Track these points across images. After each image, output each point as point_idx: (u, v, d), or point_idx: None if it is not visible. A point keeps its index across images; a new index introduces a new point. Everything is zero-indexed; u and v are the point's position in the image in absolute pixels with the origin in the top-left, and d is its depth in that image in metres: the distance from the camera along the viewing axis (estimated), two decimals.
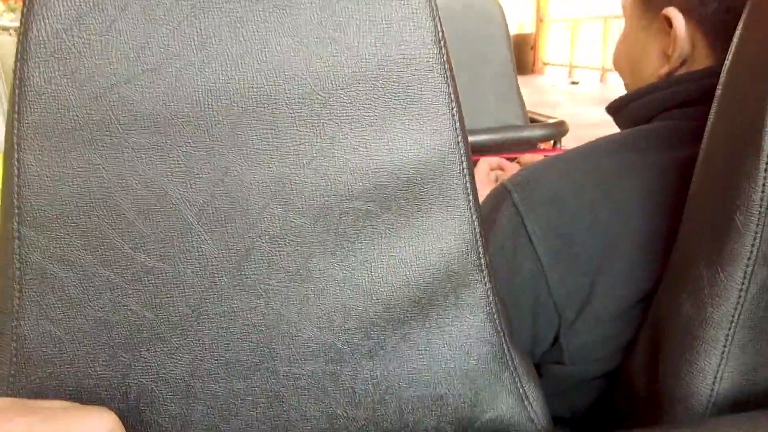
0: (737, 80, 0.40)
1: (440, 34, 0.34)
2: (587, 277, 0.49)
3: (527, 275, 0.51)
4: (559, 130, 1.34)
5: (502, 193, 0.55)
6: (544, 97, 7.57)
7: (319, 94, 0.34)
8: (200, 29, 0.33)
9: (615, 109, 0.61)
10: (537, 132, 1.34)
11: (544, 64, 11.47)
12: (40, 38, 0.32)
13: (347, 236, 0.36)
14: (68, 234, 0.34)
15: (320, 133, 0.34)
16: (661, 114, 0.55)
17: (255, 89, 0.33)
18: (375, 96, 0.34)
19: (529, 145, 1.37)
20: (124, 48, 0.33)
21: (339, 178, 0.35)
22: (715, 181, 0.40)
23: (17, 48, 0.33)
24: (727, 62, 0.41)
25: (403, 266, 0.36)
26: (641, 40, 0.59)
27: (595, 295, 0.49)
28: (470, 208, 0.36)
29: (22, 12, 0.33)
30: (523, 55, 10.33)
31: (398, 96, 0.35)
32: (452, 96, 0.35)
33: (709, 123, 0.42)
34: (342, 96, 0.34)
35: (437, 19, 0.34)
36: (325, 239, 0.35)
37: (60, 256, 0.34)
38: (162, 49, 0.33)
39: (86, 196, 0.34)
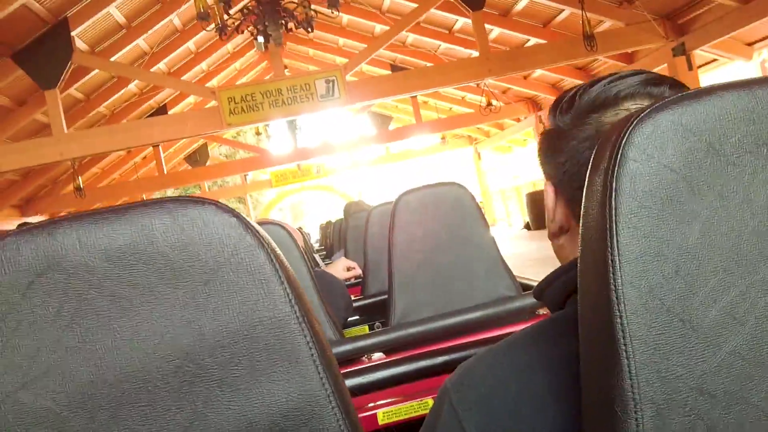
0: (584, 272, 0.43)
1: (290, 294, 0.40)
2: None
3: None
4: None
5: (443, 393, 0.56)
6: None
7: (188, 366, 0.38)
8: (79, 333, 0.38)
9: (538, 293, 0.61)
10: (528, 300, 1.36)
11: None
12: None
13: None
14: None
15: (194, 399, 0.38)
16: (570, 298, 0.56)
17: (130, 374, 0.38)
18: (240, 357, 0.39)
19: (526, 313, 1.38)
20: (18, 360, 0.38)
21: None
22: (593, 372, 0.41)
23: None
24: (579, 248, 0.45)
25: None
26: (560, 218, 0.60)
27: None
28: None
29: None
30: (540, 211, 10.63)
31: (260, 353, 0.39)
32: (311, 344, 0.39)
33: (579, 314, 0.44)
34: (210, 362, 0.38)
35: (285, 281, 0.40)
36: None
37: None
38: (50, 355, 0.38)
39: None
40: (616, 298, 0.39)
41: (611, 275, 0.40)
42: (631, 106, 0.55)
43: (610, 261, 0.40)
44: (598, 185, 0.42)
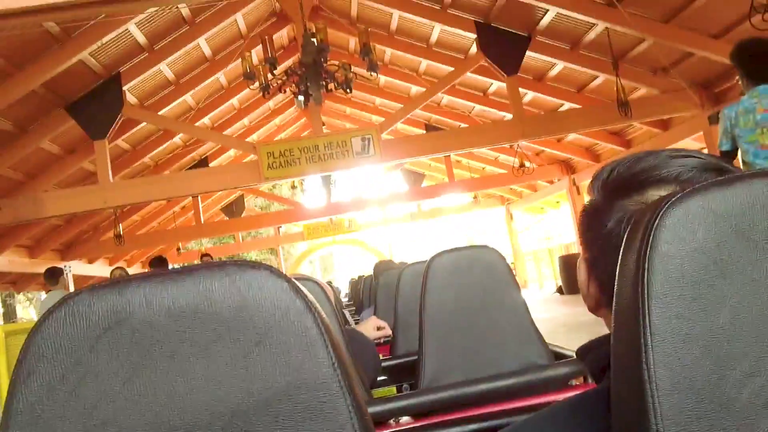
0: (617, 350, 0.45)
1: (333, 358, 0.42)
2: None
3: None
4: (581, 366, 1.33)
5: None
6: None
7: (236, 422, 0.41)
8: (138, 386, 0.41)
9: (583, 352, 0.60)
10: (561, 370, 1.34)
11: None
12: (18, 409, 0.41)
13: None
14: None
15: None
16: (609, 369, 0.56)
17: (183, 427, 0.40)
18: (283, 417, 0.41)
19: (558, 383, 1.36)
20: (81, 409, 0.41)
21: None
22: None
23: (2, 417, 0.42)
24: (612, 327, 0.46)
25: None
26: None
27: None
28: None
29: (9, 385, 0.43)
30: (573, 276, 10.43)
31: (302, 414, 0.41)
32: (350, 407, 0.41)
33: (611, 390, 0.45)
34: (255, 421, 0.41)
35: (329, 345, 0.42)
36: None
37: None
38: (110, 406, 0.41)
39: None
40: (648, 377, 0.40)
41: (644, 355, 0.41)
42: (655, 193, 0.55)
43: (642, 341, 0.41)
44: (631, 265, 0.44)
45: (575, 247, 12.15)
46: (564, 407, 0.56)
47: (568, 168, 9.27)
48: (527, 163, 7.61)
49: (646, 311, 0.41)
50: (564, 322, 6.40)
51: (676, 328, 0.41)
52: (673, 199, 0.42)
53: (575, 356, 0.63)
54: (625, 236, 0.48)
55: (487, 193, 11.88)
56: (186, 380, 0.41)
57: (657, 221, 0.42)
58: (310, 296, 0.44)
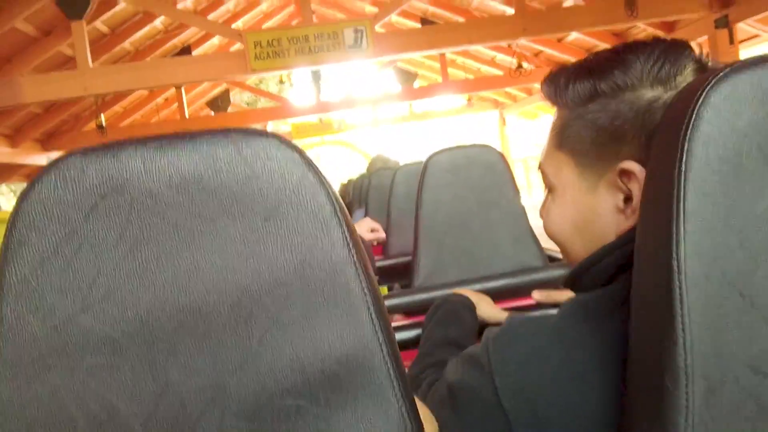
0: (644, 239, 0.42)
1: (348, 238, 0.39)
2: None
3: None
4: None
5: (484, 342, 0.57)
6: None
7: (245, 302, 0.38)
8: (140, 260, 0.38)
9: (574, 280, 0.59)
10: (554, 272, 1.35)
11: None
12: (11, 281, 0.38)
13: None
14: None
15: (249, 336, 0.38)
16: (622, 274, 0.53)
17: (188, 306, 0.38)
18: (295, 298, 0.38)
19: (550, 286, 1.37)
20: (78, 283, 0.38)
21: (269, 379, 0.38)
22: (644, 345, 0.41)
23: None
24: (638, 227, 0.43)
25: None
26: (587, 202, 0.58)
27: None
28: (397, 396, 0.38)
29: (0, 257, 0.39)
30: None
31: (315, 296, 0.38)
32: (366, 290, 0.39)
33: (633, 286, 0.43)
34: (266, 301, 0.38)
35: (344, 225, 0.39)
36: None
37: None
38: (109, 280, 0.38)
39: (49, 416, 0.38)
40: (677, 267, 0.38)
41: (674, 243, 0.38)
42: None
43: (674, 228, 0.38)
44: (668, 147, 0.40)
45: None
46: (572, 309, 0.54)
47: None
48: (525, 64, 7.39)
49: (681, 196, 0.38)
50: None
51: (712, 216, 0.38)
52: (721, 74, 0.38)
53: (564, 286, 0.61)
54: (663, 115, 0.44)
55: (482, 96, 11.63)
56: (191, 256, 0.38)
57: (702, 98, 0.38)
58: (322, 171, 0.41)
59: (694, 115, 0.38)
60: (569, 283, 0.60)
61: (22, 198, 0.37)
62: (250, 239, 0.38)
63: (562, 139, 0.60)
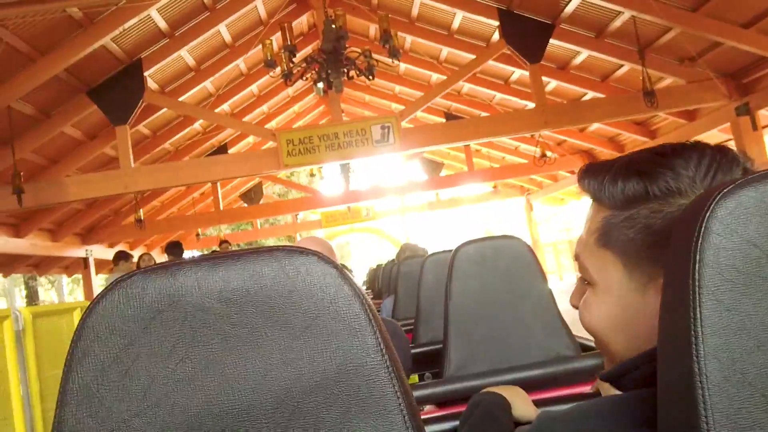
0: (665, 343, 0.44)
1: (381, 343, 0.42)
2: None
3: None
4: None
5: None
6: None
7: (287, 404, 0.41)
8: (191, 367, 0.42)
9: (615, 377, 0.57)
10: (588, 362, 1.33)
11: None
12: (74, 389, 0.42)
13: None
14: None
15: None
16: None
17: (235, 408, 0.41)
18: (333, 401, 0.41)
19: (585, 375, 1.35)
20: (134, 389, 0.42)
21: None
22: None
23: (58, 395, 0.43)
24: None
25: None
26: (635, 303, 0.57)
27: None
28: None
29: (65, 365, 0.43)
30: None
31: (352, 399, 0.41)
32: (398, 394, 0.41)
33: (658, 389, 0.45)
34: (306, 403, 0.41)
35: (377, 332, 0.42)
36: None
37: None
38: (162, 386, 0.41)
39: None
40: (698, 369, 0.40)
41: (694, 347, 0.40)
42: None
43: (692, 332, 0.40)
44: (682, 257, 0.43)
45: None
46: (612, 403, 0.54)
47: (591, 158, 9.14)
48: (548, 153, 7.53)
49: (697, 303, 0.40)
50: None
51: (727, 321, 0.40)
52: (726, 190, 0.42)
53: (602, 380, 0.61)
54: (674, 226, 0.47)
55: (507, 182, 11.79)
56: (237, 363, 0.41)
57: (709, 212, 0.41)
58: (357, 284, 0.44)
59: (703, 228, 0.41)
60: (607, 379, 0.59)
61: (89, 312, 0.42)
62: (291, 347, 0.42)
63: (609, 239, 0.59)
